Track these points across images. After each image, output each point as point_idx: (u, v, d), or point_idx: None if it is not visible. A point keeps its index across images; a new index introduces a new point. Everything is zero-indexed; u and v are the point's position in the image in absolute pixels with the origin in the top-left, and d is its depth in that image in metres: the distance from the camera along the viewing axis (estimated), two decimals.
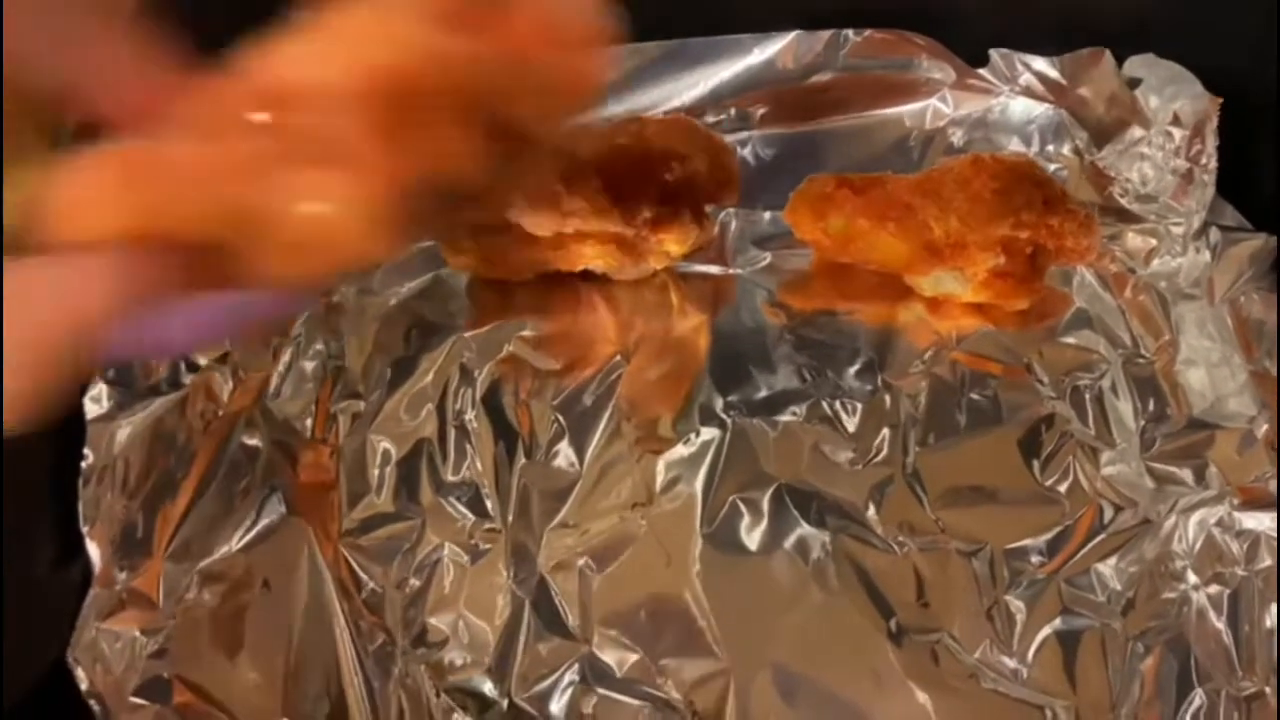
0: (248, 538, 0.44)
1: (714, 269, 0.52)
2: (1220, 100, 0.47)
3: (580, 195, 0.46)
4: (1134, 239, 0.51)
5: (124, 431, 0.43)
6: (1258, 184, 0.50)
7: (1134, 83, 0.50)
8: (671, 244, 0.49)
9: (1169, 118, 0.49)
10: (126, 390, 0.44)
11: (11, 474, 0.39)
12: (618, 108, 0.53)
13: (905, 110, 0.55)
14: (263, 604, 0.42)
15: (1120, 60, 0.51)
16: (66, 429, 0.42)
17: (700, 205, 0.50)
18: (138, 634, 0.41)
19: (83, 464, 0.43)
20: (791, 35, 0.53)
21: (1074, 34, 0.52)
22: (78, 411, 0.43)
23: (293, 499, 0.45)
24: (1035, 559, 0.43)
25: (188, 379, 0.46)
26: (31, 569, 0.40)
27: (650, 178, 0.48)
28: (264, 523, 0.44)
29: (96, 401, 0.44)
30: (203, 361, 0.47)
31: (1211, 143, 0.48)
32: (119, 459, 0.43)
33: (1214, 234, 0.49)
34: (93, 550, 0.42)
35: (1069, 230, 0.46)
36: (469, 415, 0.47)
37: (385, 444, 0.46)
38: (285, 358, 0.49)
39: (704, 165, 0.49)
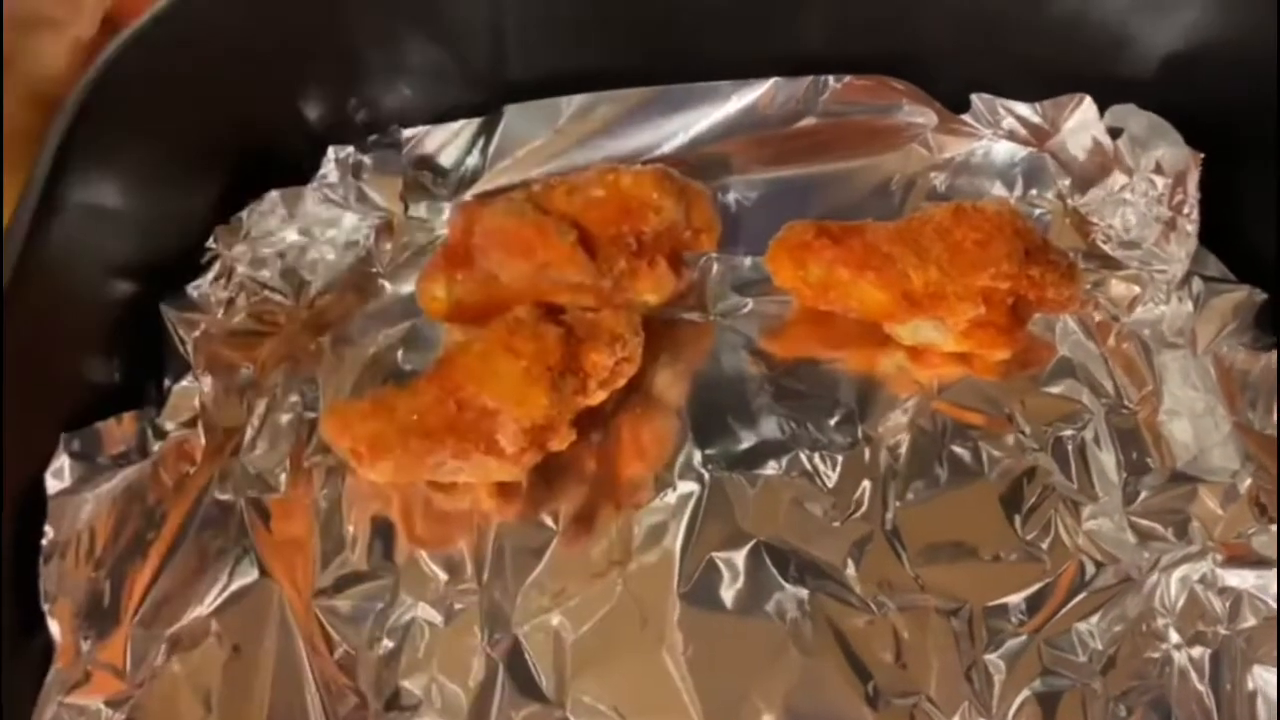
0: (219, 600, 0.43)
1: (694, 315, 0.52)
2: (1201, 155, 0.47)
3: (556, 248, 0.46)
4: (1118, 285, 0.50)
5: (88, 505, 0.43)
6: (1241, 235, 0.49)
7: (1115, 132, 0.50)
8: (648, 294, 0.48)
9: (1151, 166, 0.49)
10: (89, 463, 0.44)
11: None
12: (596, 156, 0.53)
13: (887, 155, 0.54)
14: (233, 669, 0.42)
15: (1101, 107, 0.51)
16: (26, 506, 0.42)
17: (678, 254, 0.50)
18: (103, 706, 0.40)
19: (43, 541, 0.42)
20: (770, 82, 0.52)
21: (1053, 80, 0.51)
22: (38, 487, 0.42)
23: (265, 558, 0.44)
24: (1015, 618, 0.43)
25: (156, 446, 0.46)
26: None
27: (627, 229, 0.47)
28: (236, 585, 0.43)
29: (58, 476, 0.43)
30: (170, 426, 0.46)
31: (1193, 193, 0.47)
32: (84, 530, 0.42)
33: (1197, 284, 0.49)
34: (54, 628, 0.41)
35: (1050, 281, 0.46)
36: None
37: (360, 499, 0.46)
38: (259, 410, 0.48)
39: (681, 214, 0.49)
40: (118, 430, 0.45)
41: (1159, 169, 0.49)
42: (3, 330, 0.39)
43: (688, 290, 0.51)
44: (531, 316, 0.45)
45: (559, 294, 0.47)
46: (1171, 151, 0.48)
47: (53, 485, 0.43)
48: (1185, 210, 0.48)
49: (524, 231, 0.46)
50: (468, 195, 0.53)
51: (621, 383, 0.46)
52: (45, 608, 0.41)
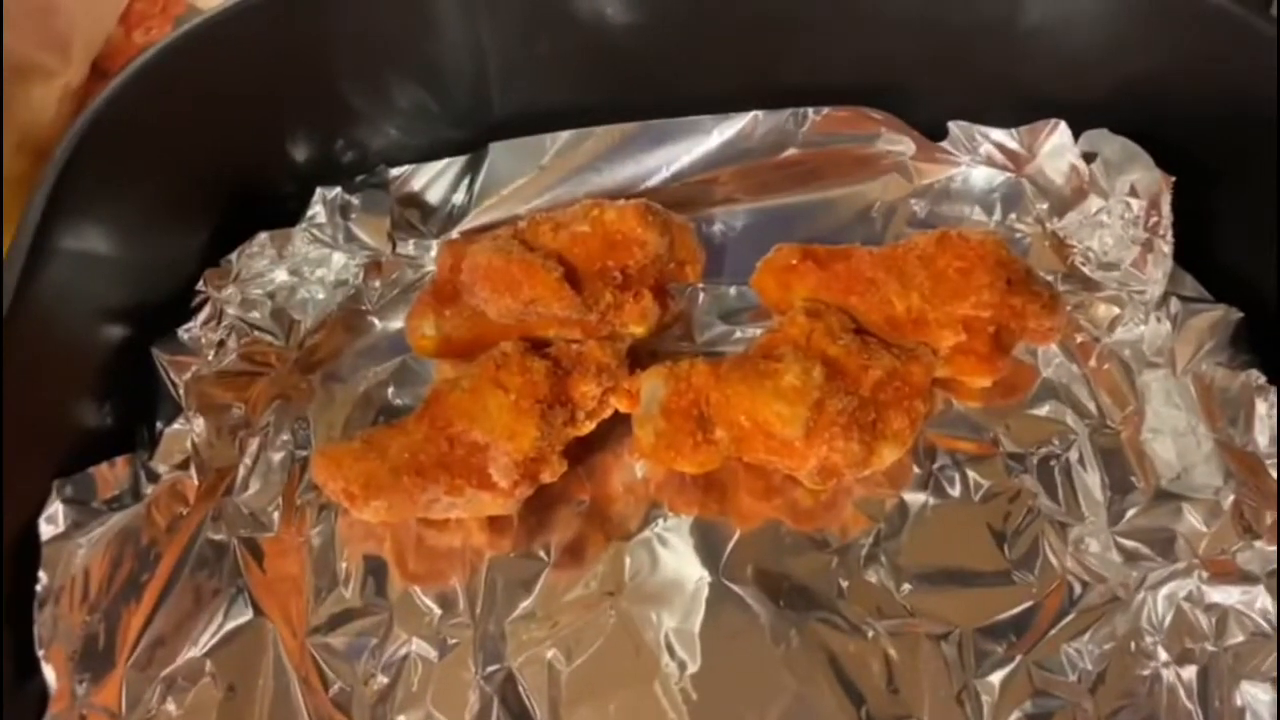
0: (214, 641, 0.43)
1: (682, 345, 0.52)
2: (1173, 179, 0.47)
3: (542, 283, 0.46)
4: (1098, 307, 0.51)
5: (82, 550, 0.43)
6: (1216, 256, 0.50)
7: (1089, 156, 0.51)
8: (634, 325, 0.49)
9: (1126, 189, 0.49)
10: (83, 508, 0.44)
11: None
12: (581, 191, 0.53)
13: (868, 184, 0.55)
14: (228, 709, 0.42)
15: (1076, 132, 0.51)
16: (20, 553, 0.42)
17: (663, 286, 0.50)
18: None
19: (37, 587, 0.42)
20: (751, 115, 0.53)
21: (1027, 107, 0.52)
22: (32, 534, 0.43)
23: (259, 598, 0.44)
24: (1005, 640, 0.43)
25: (149, 488, 0.46)
26: None
27: (612, 263, 0.48)
28: (230, 625, 0.44)
29: (52, 522, 0.43)
30: (162, 469, 0.47)
31: (1167, 215, 0.48)
32: (78, 574, 0.42)
33: (1175, 304, 0.49)
34: (49, 673, 0.41)
35: (1032, 312, 0.47)
36: None
37: (353, 537, 0.46)
38: (252, 449, 0.48)
39: (665, 247, 0.49)
40: (110, 474, 0.46)
41: (1134, 192, 0.49)
42: None
43: (674, 320, 0.52)
44: (518, 351, 0.46)
45: (546, 328, 0.48)
46: (1145, 175, 0.48)
47: (46, 531, 0.43)
48: (1161, 232, 0.49)
49: (510, 268, 0.47)
50: (454, 232, 0.54)
51: (609, 413, 0.47)
52: (40, 653, 0.41)
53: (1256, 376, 0.47)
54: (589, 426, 0.47)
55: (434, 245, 0.54)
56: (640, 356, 0.49)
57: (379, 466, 0.43)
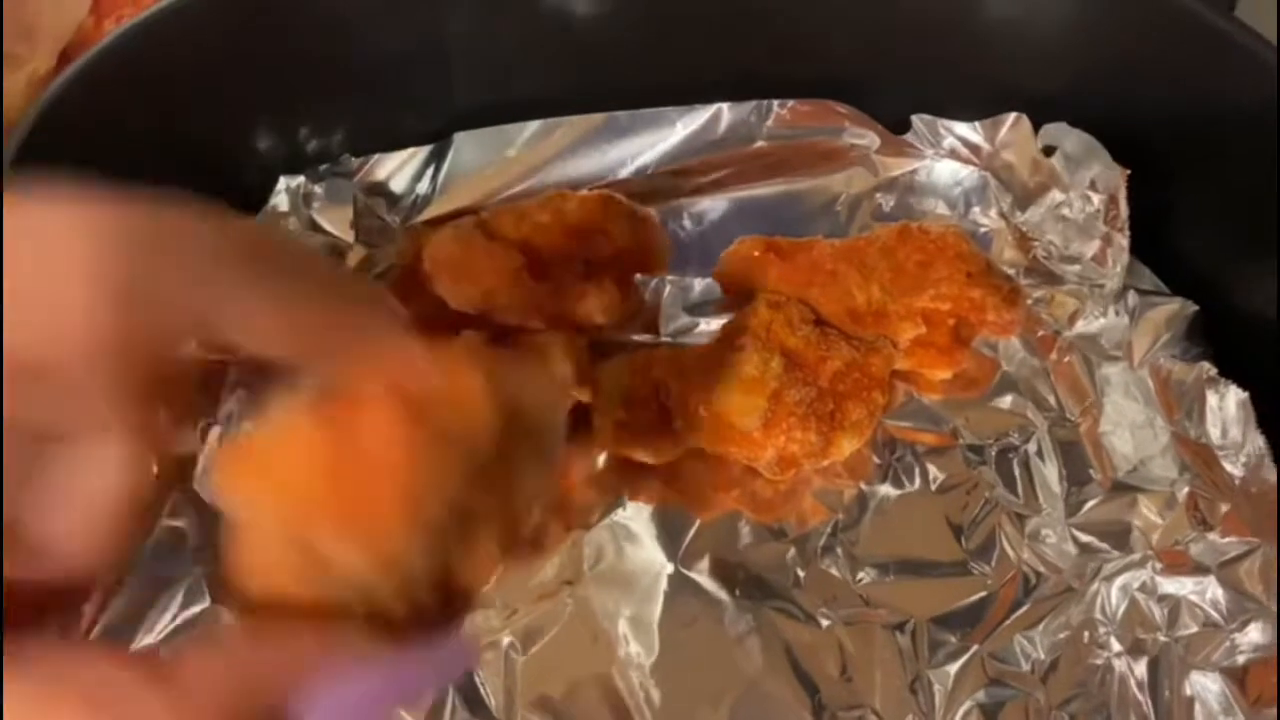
0: (169, 628, 0.43)
1: (645, 337, 0.52)
2: (1128, 172, 0.48)
3: (502, 272, 0.46)
4: (1059, 300, 0.51)
5: None
6: (1173, 249, 0.50)
7: (1049, 150, 0.51)
8: (597, 315, 0.49)
9: (1085, 183, 0.50)
10: None
11: None
12: (546, 182, 0.53)
13: (833, 177, 0.55)
14: None
15: (1036, 125, 0.52)
16: None
17: (627, 277, 0.50)
18: None
19: None
20: (716, 107, 0.53)
21: (990, 100, 0.52)
22: None
23: (218, 586, 0.44)
24: (960, 630, 0.43)
25: None
26: None
27: (574, 254, 0.48)
28: (187, 613, 0.44)
29: None
30: None
31: (1124, 209, 0.49)
32: None
33: (1132, 297, 0.50)
34: None
35: (991, 305, 0.47)
36: None
37: None
38: (212, 439, 0.48)
39: (627, 239, 0.49)
40: None
41: (1093, 186, 0.50)
42: None
43: (637, 311, 0.52)
44: (478, 341, 0.46)
45: (507, 318, 0.48)
46: (1104, 169, 0.49)
47: None
48: (1119, 225, 0.49)
49: (470, 256, 0.47)
50: (418, 221, 0.54)
51: (569, 403, 0.47)
52: None
53: (1209, 369, 0.47)
54: None
55: (398, 235, 0.54)
56: (606, 347, 0.49)
57: None
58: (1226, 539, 0.44)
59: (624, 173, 0.54)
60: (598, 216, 0.48)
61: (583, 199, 0.49)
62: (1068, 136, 0.49)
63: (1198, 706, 0.41)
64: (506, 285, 0.47)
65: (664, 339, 0.52)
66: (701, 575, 0.44)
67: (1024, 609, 0.44)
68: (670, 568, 0.45)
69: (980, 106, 0.53)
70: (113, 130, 0.47)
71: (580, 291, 0.48)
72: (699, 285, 0.53)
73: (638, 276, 0.51)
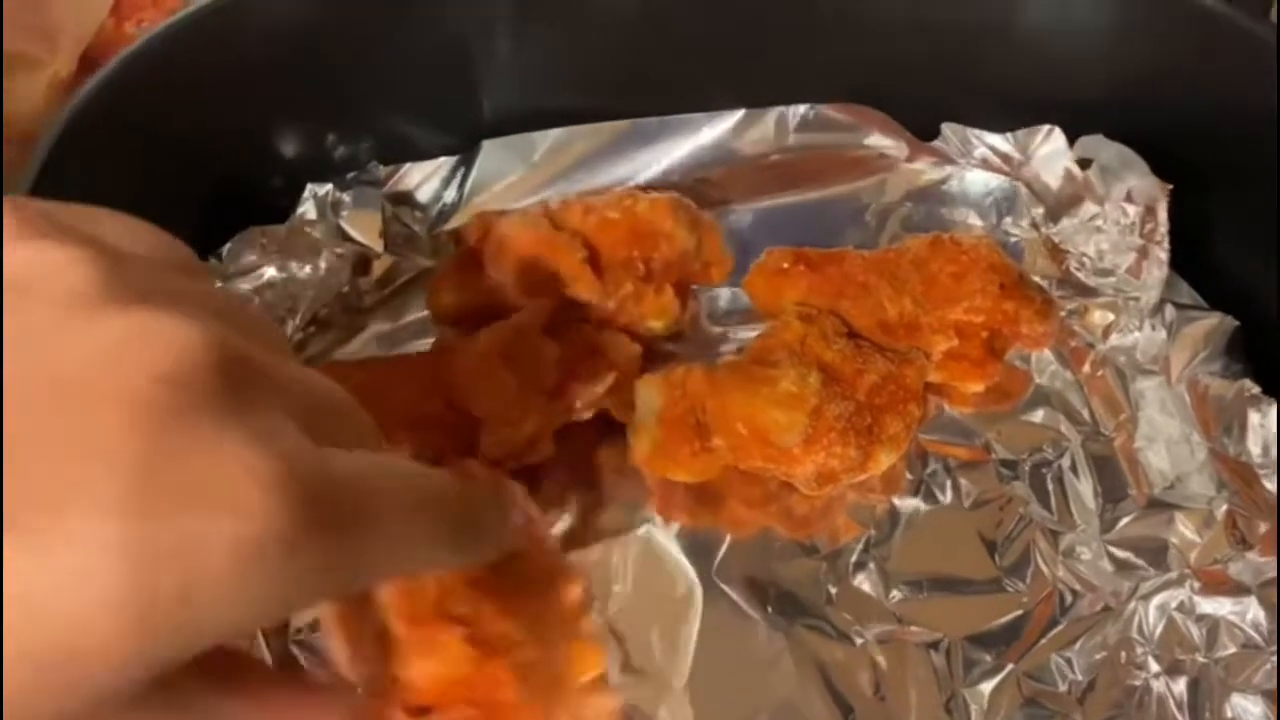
0: None
1: (671, 347, 0.52)
2: (1170, 186, 0.47)
3: (565, 262, 0.46)
4: (1093, 313, 0.51)
5: None
6: (1212, 263, 0.50)
7: (1084, 162, 0.50)
8: (653, 319, 0.48)
9: (1122, 195, 0.49)
10: None
11: None
12: (571, 190, 0.53)
13: (860, 184, 0.55)
14: None
15: (1071, 137, 0.51)
16: None
17: (686, 284, 0.49)
18: None
19: None
20: (741, 113, 0.53)
21: (1021, 111, 0.52)
22: None
23: None
24: (995, 649, 0.43)
25: None
26: None
27: (637, 254, 0.47)
28: None
29: None
30: None
31: (1164, 222, 0.48)
32: None
33: (1170, 311, 0.49)
34: None
35: (1025, 317, 0.46)
36: None
37: None
38: None
39: (692, 244, 0.48)
40: None
41: (1130, 198, 0.49)
42: None
43: (689, 323, 0.51)
44: (534, 329, 0.45)
45: (563, 310, 0.47)
46: (1141, 181, 0.48)
47: None
48: (1157, 238, 0.49)
49: (536, 243, 0.46)
50: (445, 229, 0.54)
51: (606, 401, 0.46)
52: None
53: (1250, 386, 0.46)
54: (587, 415, 0.46)
55: (424, 243, 0.53)
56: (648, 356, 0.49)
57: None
58: (1266, 558, 0.44)
59: (649, 178, 0.54)
60: (666, 219, 0.47)
61: (653, 200, 0.48)
62: (1104, 148, 0.49)
63: None
64: (567, 275, 0.46)
65: (691, 350, 0.51)
66: (733, 593, 0.44)
67: (1060, 628, 0.43)
68: (701, 585, 0.44)
69: (1012, 116, 0.52)
70: (139, 137, 0.46)
71: (639, 293, 0.47)
72: (725, 295, 0.53)
73: (694, 285, 0.50)
